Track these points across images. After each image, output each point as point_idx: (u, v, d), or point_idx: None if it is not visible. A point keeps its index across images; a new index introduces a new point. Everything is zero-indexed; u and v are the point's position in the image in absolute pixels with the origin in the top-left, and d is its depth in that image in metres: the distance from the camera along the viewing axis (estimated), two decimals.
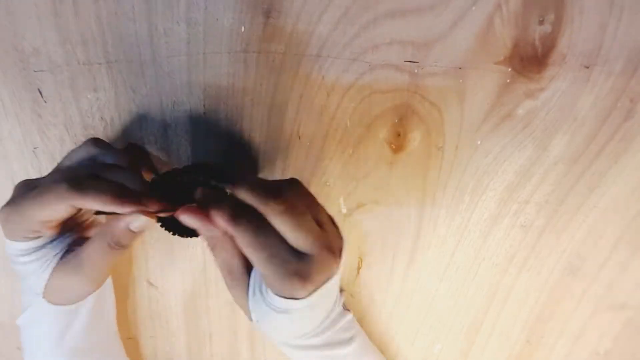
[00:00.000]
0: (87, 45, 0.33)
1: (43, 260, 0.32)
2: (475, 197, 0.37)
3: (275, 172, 0.37)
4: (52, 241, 0.33)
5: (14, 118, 0.36)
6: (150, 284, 0.43)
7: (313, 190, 0.38)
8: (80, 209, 0.32)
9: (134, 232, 0.31)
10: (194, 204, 0.29)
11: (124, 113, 0.36)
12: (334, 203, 0.38)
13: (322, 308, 0.31)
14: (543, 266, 0.39)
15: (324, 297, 0.30)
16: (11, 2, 0.32)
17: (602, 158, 0.35)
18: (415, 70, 0.33)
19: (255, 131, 0.36)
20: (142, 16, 0.32)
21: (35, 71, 0.34)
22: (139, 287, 0.43)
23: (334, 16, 0.32)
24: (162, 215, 0.30)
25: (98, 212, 0.30)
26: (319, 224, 0.29)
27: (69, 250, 0.33)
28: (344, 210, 0.39)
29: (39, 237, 0.32)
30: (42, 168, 0.38)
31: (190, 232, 0.32)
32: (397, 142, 0.36)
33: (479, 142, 0.35)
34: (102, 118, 0.36)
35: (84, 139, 0.35)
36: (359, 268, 0.41)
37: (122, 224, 0.31)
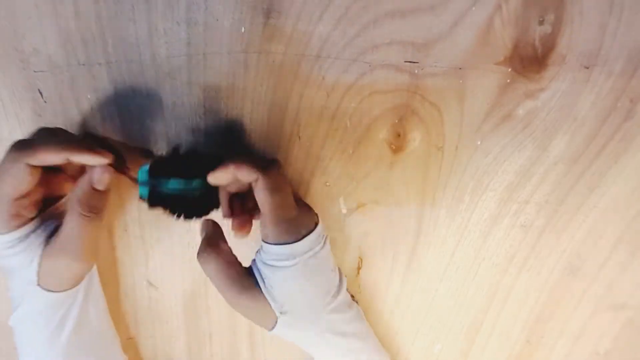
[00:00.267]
0: (87, 46, 0.33)
1: (29, 249, 0.32)
2: (475, 197, 0.37)
3: None
4: (35, 229, 0.33)
5: (14, 118, 0.36)
6: (150, 284, 0.43)
7: (313, 190, 0.38)
8: (49, 187, 0.33)
9: (99, 190, 0.32)
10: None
11: (124, 113, 0.36)
12: (334, 203, 0.38)
13: (322, 260, 0.33)
14: (543, 266, 0.39)
15: (319, 244, 0.33)
16: (11, 2, 0.32)
17: (602, 158, 0.35)
18: (415, 71, 0.33)
19: (255, 131, 0.36)
20: (142, 16, 0.32)
21: (35, 71, 0.34)
22: (139, 287, 0.43)
23: (334, 16, 0.32)
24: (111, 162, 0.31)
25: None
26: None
27: (52, 235, 0.33)
28: (344, 210, 0.39)
29: (22, 225, 0.32)
30: None
31: (181, 210, 0.33)
32: (397, 142, 0.36)
33: (479, 142, 0.35)
34: (102, 118, 0.36)
35: None
36: (359, 268, 0.41)
37: (85, 185, 0.31)
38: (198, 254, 0.32)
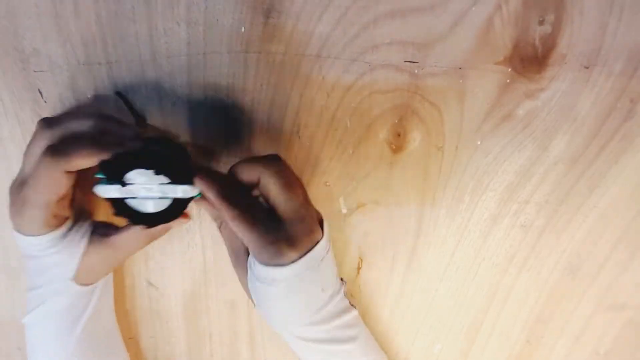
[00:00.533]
0: (87, 45, 0.33)
1: (71, 246, 0.33)
2: (475, 197, 0.37)
3: None
4: (72, 226, 0.34)
5: (14, 118, 0.36)
6: (150, 284, 0.43)
7: (313, 190, 0.38)
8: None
9: None
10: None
11: (124, 113, 0.36)
12: (334, 203, 0.38)
13: (310, 282, 0.31)
14: (543, 266, 0.39)
15: (310, 268, 0.30)
16: (11, 2, 0.32)
17: (602, 158, 0.35)
18: (415, 71, 0.33)
19: (255, 131, 0.36)
20: (142, 16, 0.32)
21: (35, 71, 0.34)
22: (139, 287, 0.43)
23: (334, 16, 0.32)
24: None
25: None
26: None
27: (95, 231, 0.35)
28: (344, 210, 0.39)
29: (61, 224, 0.33)
30: None
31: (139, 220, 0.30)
32: (397, 142, 0.36)
33: (479, 142, 0.35)
34: None
35: None
36: (359, 268, 0.41)
37: None
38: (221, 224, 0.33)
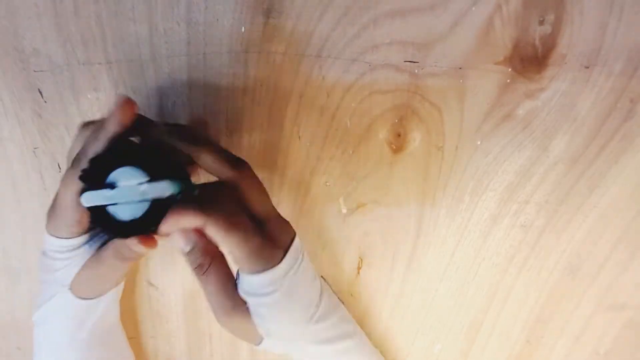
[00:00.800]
0: (87, 45, 0.33)
1: (80, 257, 0.33)
2: (475, 197, 0.37)
3: (275, 172, 0.37)
4: (87, 242, 0.33)
5: (14, 118, 0.36)
6: (150, 284, 0.43)
7: (313, 190, 0.38)
8: None
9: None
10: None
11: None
12: (334, 203, 0.38)
13: (303, 272, 0.31)
14: (543, 266, 0.39)
15: (298, 260, 0.31)
16: (11, 2, 0.32)
17: (602, 158, 0.35)
18: (416, 71, 0.33)
19: (255, 131, 0.36)
20: (142, 16, 0.32)
21: (35, 71, 0.34)
22: (139, 287, 0.43)
23: (334, 16, 0.32)
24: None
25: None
26: None
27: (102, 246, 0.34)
28: (344, 210, 0.39)
29: (79, 234, 0.32)
30: (42, 168, 0.38)
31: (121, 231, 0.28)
32: (397, 142, 0.36)
33: (479, 142, 0.35)
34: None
35: None
36: (359, 268, 0.41)
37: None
38: (196, 266, 0.30)
